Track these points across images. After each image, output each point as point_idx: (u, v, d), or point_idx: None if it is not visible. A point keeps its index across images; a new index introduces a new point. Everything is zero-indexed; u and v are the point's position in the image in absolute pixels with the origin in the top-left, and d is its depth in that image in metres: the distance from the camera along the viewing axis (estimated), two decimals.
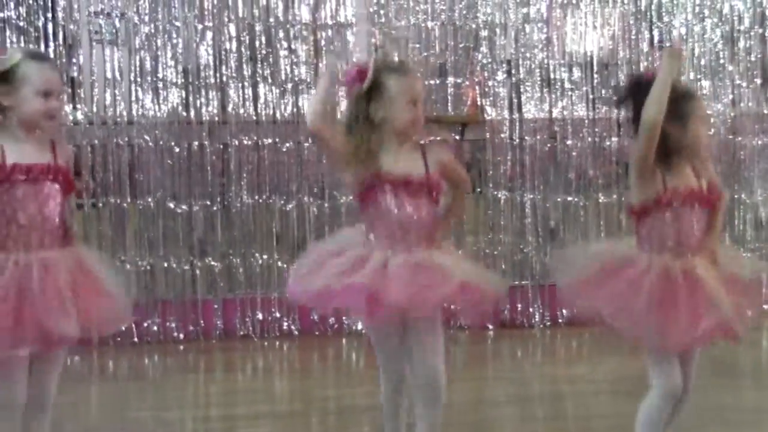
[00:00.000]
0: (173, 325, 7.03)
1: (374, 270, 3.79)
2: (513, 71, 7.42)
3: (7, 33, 6.82)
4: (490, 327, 7.30)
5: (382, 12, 7.28)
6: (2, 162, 3.54)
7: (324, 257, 3.96)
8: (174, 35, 7.04)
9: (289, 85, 7.17)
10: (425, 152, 3.98)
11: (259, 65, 7.15)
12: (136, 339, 6.91)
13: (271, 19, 7.11)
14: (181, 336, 7.01)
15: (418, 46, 7.33)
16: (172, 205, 7.01)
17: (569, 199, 7.45)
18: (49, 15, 6.88)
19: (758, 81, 7.56)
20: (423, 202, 3.93)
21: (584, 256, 4.15)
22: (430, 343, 4.03)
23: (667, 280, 3.80)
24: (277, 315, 7.10)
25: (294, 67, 7.17)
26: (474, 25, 7.36)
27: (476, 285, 3.99)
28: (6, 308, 3.45)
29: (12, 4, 6.81)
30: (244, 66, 7.13)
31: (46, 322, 3.45)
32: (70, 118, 6.87)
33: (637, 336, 3.86)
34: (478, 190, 7.48)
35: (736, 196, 7.49)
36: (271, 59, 7.15)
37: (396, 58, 6.85)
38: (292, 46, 7.16)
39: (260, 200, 7.12)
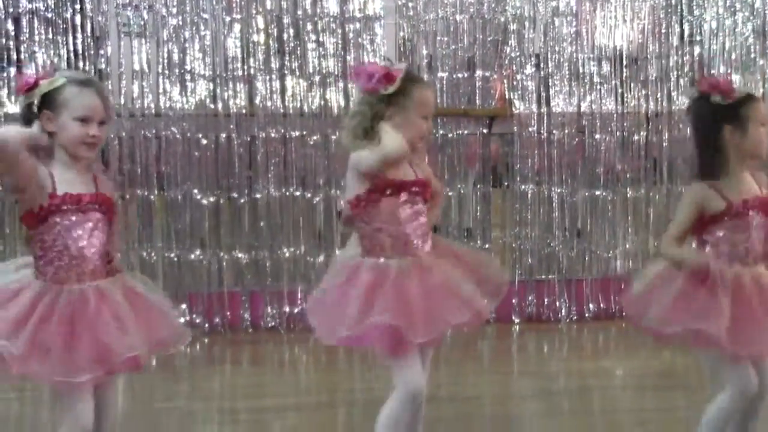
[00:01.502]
0: (200, 317, 7.04)
1: (393, 300, 3.77)
2: (541, 65, 7.40)
3: (35, 24, 6.84)
4: (516, 321, 7.30)
5: (410, 5, 7.28)
6: (53, 191, 3.45)
7: (338, 293, 3.93)
8: (202, 27, 7.05)
9: (317, 78, 7.17)
10: (410, 162, 3.95)
11: (287, 58, 7.15)
12: None
13: (299, 12, 7.12)
14: (208, 328, 7.02)
15: (446, 39, 7.31)
16: (199, 197, 7.02)
17: (597, 193, 7.43)
18: (77, 6, 6.91)
19: None
20: (420, 207, 3.91)
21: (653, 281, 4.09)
22: (426, 362, 4.01)
23: (740, 289, 3.78)
24: (304, 307, 7.09)
25: (322, 59, 7.17)
26: (503, 19, 7.35)
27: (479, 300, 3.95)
28: (62, 335, 3.40)
29: None
30: (272, 58, 7.14)
31: (105, 343, 3.42)
32: None
33: (721, 340, 3.82)
34: (506, 184, 7.46)
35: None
36: (298, 52, 7.15)
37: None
38: (320, 39, 7.15)
39: (287, 193, 7.12)
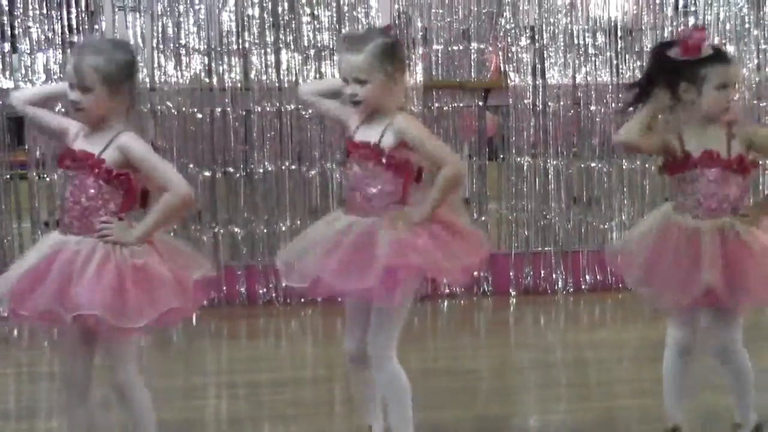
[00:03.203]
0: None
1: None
2: (536, 37, 7.38)
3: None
4: (513, 293, 7.31)
5: None
6: (71, 143, 3.70)
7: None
8: (196, 1, 7.02)
9: (312, 52, 7.15)
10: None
11: (282, 31, 7.13)
12: None
13: None
14: (205, 303, 7.01)
15: (441, 11, 7.29)
16: (194, 172, 7.01)
17: (593, 165, 7.43)
18: None
19: None
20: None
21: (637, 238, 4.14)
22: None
23: (675, 239, 3.89)
24: None
25: (317, 33, 7.14)
26: None
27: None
28: (37, 280, 3.54)
29: None
30: (267, 32, 7.11)
31: (66, 290, 3.49)
32: None
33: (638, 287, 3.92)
34: (501, 156, 7.47)
35: (760, 162, 7.42)
36: (293, 25, 7.13)
37: None
38: (315, 12, 7.13)
39: (283, 167, 7.11)
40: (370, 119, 3.86)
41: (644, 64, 7.28)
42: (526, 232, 7.41)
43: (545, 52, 7.38)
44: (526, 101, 7.36)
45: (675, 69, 3.85)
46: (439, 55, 7.31)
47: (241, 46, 7.10)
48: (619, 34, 7.45)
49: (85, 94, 3.59)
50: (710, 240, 3.84)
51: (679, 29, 7.32)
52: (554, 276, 7.41)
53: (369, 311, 3.87)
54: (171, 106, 6.99)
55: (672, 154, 3.91)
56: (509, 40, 7.37)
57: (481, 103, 7.38)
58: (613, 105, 7.38)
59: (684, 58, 3.84)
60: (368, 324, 3.88)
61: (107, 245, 3.58)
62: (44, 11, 6.83)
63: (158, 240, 3.70)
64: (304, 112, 7.08)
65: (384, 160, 3.81)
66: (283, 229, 7.12)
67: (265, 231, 7.16)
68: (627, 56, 7.45)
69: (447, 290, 6.98)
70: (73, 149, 3.65)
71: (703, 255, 3.81)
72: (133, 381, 3.74)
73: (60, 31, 6.86)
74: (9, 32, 6.90)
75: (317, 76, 7.11)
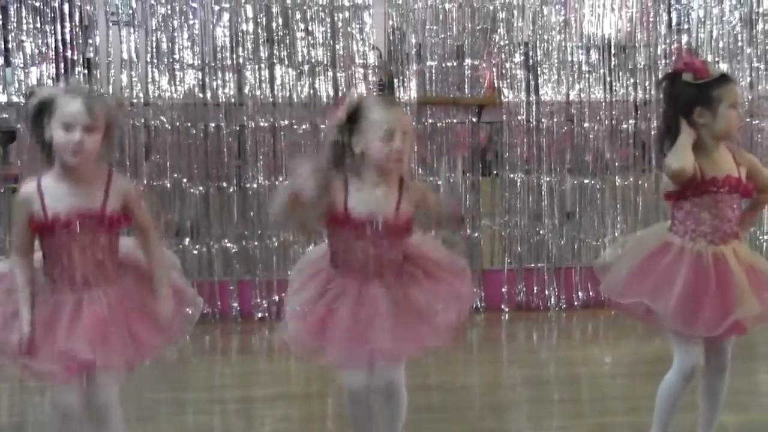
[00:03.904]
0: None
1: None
2: (530, 53, 7.40)
3: (23, 13, 6.82)
4: (506, 309, 7.31)
5: None
6: (43, 215, 3.57)
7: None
8: (190, 16, 7.04)
9: (306, 67, 7.16)
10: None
11: (276, 47, 7.14)
12: None
13: (288, 1, 7.10)
14: (198, 318, 7.01)
15: (435, 27, 7.31)
16: (188, 187, 7.01)
17: (586, 181, 7.44)
18: None
19: None
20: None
21: (623, 253, 4.13)
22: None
23: (700, 265, 3.84)
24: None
25: (311, 48, 7.16)
26: (491, 7, 7.35)
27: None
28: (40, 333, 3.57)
29: None
30: (261, 48, 7.13)
31: (67, 345, 3.53)
32: None
33: (667, 318, 3.86)
34: (495, 172, 7.48)
35: None
36: (287, 41, 7.14)
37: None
38: (309, 28, 7.14)
39: (276, 182, 7.11)
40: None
41: (638, 81, 7.39)
42: (518, 248, 7.42)
43: (539, 68, 7.40)
44: (519, 117, 7.37)
45: (691, 94, 3.83)
46: (433, 71, 7.33)
47: (235, 62, 7.11)
48: (613, 51, 7.46)
49: (89, 136, 3.55)
50: (735, 265, 3.85)
51: (674, 47, 7.37)
52: (547, 292, 7.41)
53: None
54: (165, 120, 7.00)
55: (692, 179, 3.85)
56: (503, 57, 7.39)
57: (474, 119, 7.39)
58: (607, 122, 7.39)
59: (698, 82, 3.82)
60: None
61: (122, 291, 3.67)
62: (38, 25, 6.84)
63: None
64: (297, 128, 7.08)
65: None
66: (276, 244, 7.12)
67: (258, 246, 7.16)
68: (620, 73, 7.47)
69: None
70: (69, 216, 3.58)
71: (736, 285, 3.81)
72: (114, 402, 3.75)
73: (54, 46, 6.87)
74: (2, 46, 6.91)
75: (311, 91, 7.12)
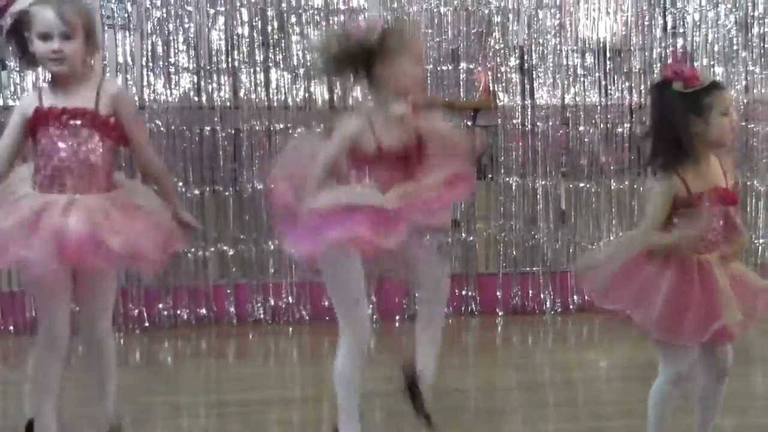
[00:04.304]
0: (185, 310, 7.04)
1: None
2: (525, 57, 7.40)
3: None
4: (501, 313, 7.31)
5: None
6: (39, 105, 3.66)
7: None
8: (186, 20, 7.03)
9: (301, 71, 7.16)
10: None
11: (271, 50, 7.14)
12: (147, 324, 6.94)
13: (284, 4, 7.10)
14: (193, 321, 7.03)
15: (430, 31, 7.30)
16: (183, 190, 7.01)
17: (581, 185, 7.44)
18: None
19: None
20: None
21: (606, 256, 4.12)
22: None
23: (684, 273, 3.81)
24: (289, 300, 7.10)
25: (306, 52, 7.16)
26: (486, 11, 7.34)
27: None
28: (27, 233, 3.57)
29: None
30: (256, 51, 7.12)
31: (93, 234, 3.55)
32: None
33: (650, 328, 3.85)
34: (490, 176, 7.48)
35: (748, 183, 7.45)
36: (283, 44, 7.15)
37: None
38: (305, 32, 7.14)
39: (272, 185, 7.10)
40: None
41: (633, 85, 7.40)
42: (514, 252, 7.41)
43: (534, 72, 7.40)
44: (514, 121, 7.37)
45: (682, 103, 3.79)
46: (428, 74, 7.32)
47: (230, 65, 7.10)
48: (608, 54, 7.46)
49: (68, 43, 3.59)
50: (720, 273, 3.84)
51: (669, 50, 7.38)
52: (542, 296, 7.41)
53: None
54: (160, 124, 7.00)
55: (677, 197, 3.82)
56: (498, 61, 7.39)
57: (470, 123, 7.39)
58: (602, 125, 7.40)
59: (689, 90, 3.78)
60: None
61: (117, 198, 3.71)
62: None
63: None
64: (293, 131, 7.08)
65: None
66: (272, 247, 7.12)
67: (253, 249, 7.16)
68: (615, 77, 7.47)
69: None
70: (62, 107, 3.64)
71: (720, 292, 3.79)
72: (110, 330, 3.78)
73: None
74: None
75: (306, 95, 7.12)
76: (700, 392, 4.10)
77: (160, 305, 6.99)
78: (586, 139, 7.42)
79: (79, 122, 3.63)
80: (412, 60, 3.95)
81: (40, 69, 6.64)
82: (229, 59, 7.10)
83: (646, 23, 7.44)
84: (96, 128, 3.65)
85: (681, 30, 7.51)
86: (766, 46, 7.46)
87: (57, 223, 3.54)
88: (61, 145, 3.64)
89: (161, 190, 3.92)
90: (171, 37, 7.03)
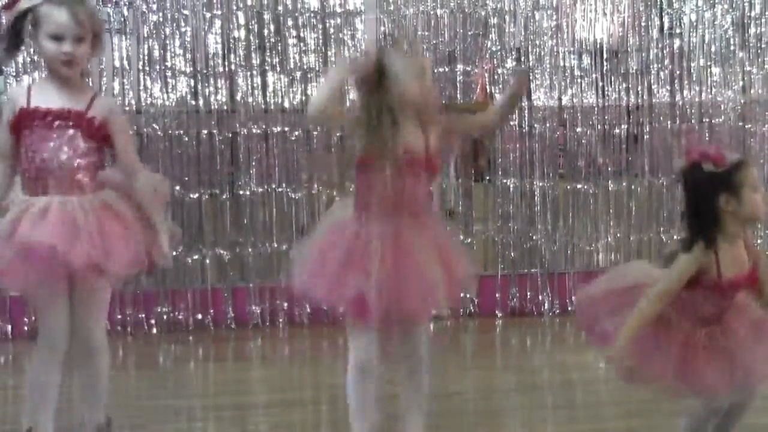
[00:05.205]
0: (183, 314, 7.04)
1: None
2: (522, 58, 7.40)
3: None
4: (499, 315, 7.31)
5: (390, 0, 7.27)
6: (26, 104, 3.62)
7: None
8: (182, 24, 7.03)
9: (298, 74, 7.15)
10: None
11: (268, 54, 7.14)
12: (146, 328, 6.93)
13: (280, 8, 7.10)
14: (192, 325, 7.02)
15: (427, 33, 7.31)
16: (180, 194, 7.00)
17: (579, 186, 7.44)
18: None
19: None
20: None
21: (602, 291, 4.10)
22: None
23: (689, 344, 3.81)
24: (288, 304, 7.09)
25: (303, 55, 7.16)
26: (483, 13, 7.34)
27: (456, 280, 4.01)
28: (13, 241, 3.58)
29: None
30: (253, 54, 7.12)
31: (53, 247, 3.52)
32: None
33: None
34: (487, 178, 7.47)
35: None
36: (279, 48, 7.14)
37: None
38: (301, 35, 7.14)
39: (269, 189, 7.11)
40: None
41: (630, 86, 7.39)
42: (512, 254, 7.41)
43: (531, 74, 7.39)
44: (512, 123, 7.36)
45: (714, 183, 3.74)
46: None
47: (227, 69, 7.10)
48: (605, 56, 7.47)
49: (79, 46, 3.58)
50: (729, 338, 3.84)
51: (665, 51, 7.37)
52: (540, 298, 7.41)
53: None
54: (157, 128, 6.99)
55: (707, 275, 3.76)
56: (495, 62, 7.39)
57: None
58: (599, 127, 7.40)
59: (720, 170, 3.73)
60: None
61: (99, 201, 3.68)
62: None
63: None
64: (290, 135, 7.08)
65: None
66: (270, 251, 7.12)
67: (251, 253, 7.15)
68: (613, 78, 7.47)
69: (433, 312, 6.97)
70: (49, 108, 3.61)
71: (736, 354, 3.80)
72: (104, 338, 3.77)
73: None
74: None
75: (303, 98, 7.11)
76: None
77: (158, 309, 6.98)
78: (583, 141, 7.42)
79: (63, 123, 3.61)
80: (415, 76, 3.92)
81: (36, 75, 6.69)
82: (226, 63, 7.10)
83: (642, 24, 7.45)
84: (80, 128, 3.63)
85: (678, 31, 7.51)
86: (762, 46, 7.47)
87: (25, 235, 3.53)
88: (44, 146, 3.61)
89: (142, 202, 3.84)
90: (167, 41, 7.03)
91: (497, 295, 7.36)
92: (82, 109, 3.62)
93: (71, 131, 3.61)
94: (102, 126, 3.66)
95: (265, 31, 7.11)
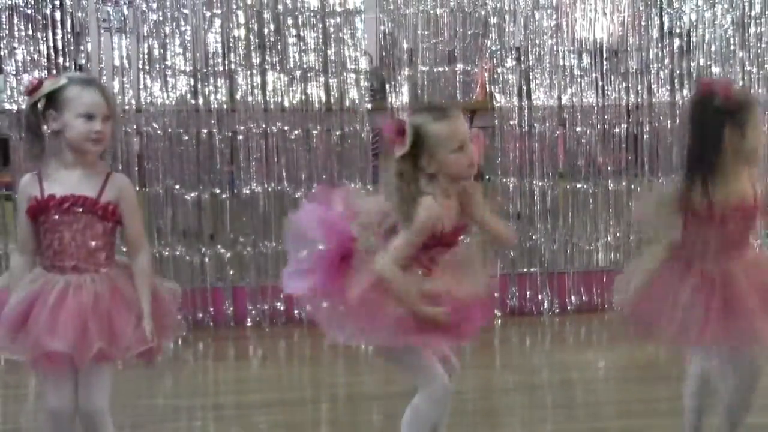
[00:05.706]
0: (183, 313, 7.03)
1: None
2: (522, 58, 7.40)
3: (15, 20, 6.81)
4: (499, 314, 7.31)
5: None
6: (39, 194, 3.62)
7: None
8: (182, 23, 7.03)
9: (298, 73, 7.16)
10: None
11: (268, 53, 7.14)
12: None
13: (280, 7, 7.10)
14: (191, 324, 7.02)
15: (427, 33, 7.31)
16: (180, 193, 7.01)
17: (578, 186, 7.44)
18: (57, 2, 6.87)
19: None
20: None
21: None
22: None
23: (704, 283, 3.82)
24: (287, 303, 7.09)
25: (302, 54, 7.16)
26: (483, 12, 7.35)
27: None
28: (22, 315, 3.58)
29: None
30: (253, 53, 7.12)
31: (39, 336, 3.53)
32: None
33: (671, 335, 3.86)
34: (487, 177, 7.47)
35: None
36: (279, 47, 7.14)
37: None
38: (301, 34, 7.14)
39: (269, 188, 7.11)
40: None
41: (630, 85, 7.39)
42: (511, 253, 7.40)
43: (531, 73, 7.39)
44: (512, 122, 7.37)
45: (721, 118, 3.78)
46: (425, 76, 7.32)
47: (227, 68, 7.11)
48: (605, 55, 7.46)
49: (107, 124, 3.62)
50: (743, 284, 3.83)
51: (666, 50, 7.37)
52: (540, 297, 7.41)
53: None
54: (157, 127, 7.00)
55: (698, 207, 3.83)
56: (495, 62, 7.39)
57: (467, 124, 7.38)
58: (599, 126, 7.40)
59: (726, 105, 3.77)
60: None
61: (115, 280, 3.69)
62: (30, 32, 6.83)
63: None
64: (289, 133, 7.08)
65: None
66: (270, 250, 7.12)
67: (251, 252, 7.16)
68: (612, 77, 7.47)
69: None
70: (64, 195, 3.63)
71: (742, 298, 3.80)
72: (106, 409, 3.76)
73: (46, 53, 6.86)
74: None
75: (303, 97, 7.12)
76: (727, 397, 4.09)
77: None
78: (583, 140, 7.41)
79: (79, 210, 3.63)
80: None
81: (36, 74, 6.70)
82: (226, 62, 7.10)
83: (642, 23, 7.44)
84: (95, 214, 3.65)
85: (678, 30, 7.50)
86: (762, 46, 7.46)
87: (38, 335, 3.54)
88: (61, 231, 3.64)
89: (138, 286, 3.83)
90: (167, 40, 7.03)
91: (496, 294, 7.34)
92: (95, 195, 3.64)
93: (87, 216, 3.64)
94: (115, 209, 3.69)
95: (265, 30, 7.11)
